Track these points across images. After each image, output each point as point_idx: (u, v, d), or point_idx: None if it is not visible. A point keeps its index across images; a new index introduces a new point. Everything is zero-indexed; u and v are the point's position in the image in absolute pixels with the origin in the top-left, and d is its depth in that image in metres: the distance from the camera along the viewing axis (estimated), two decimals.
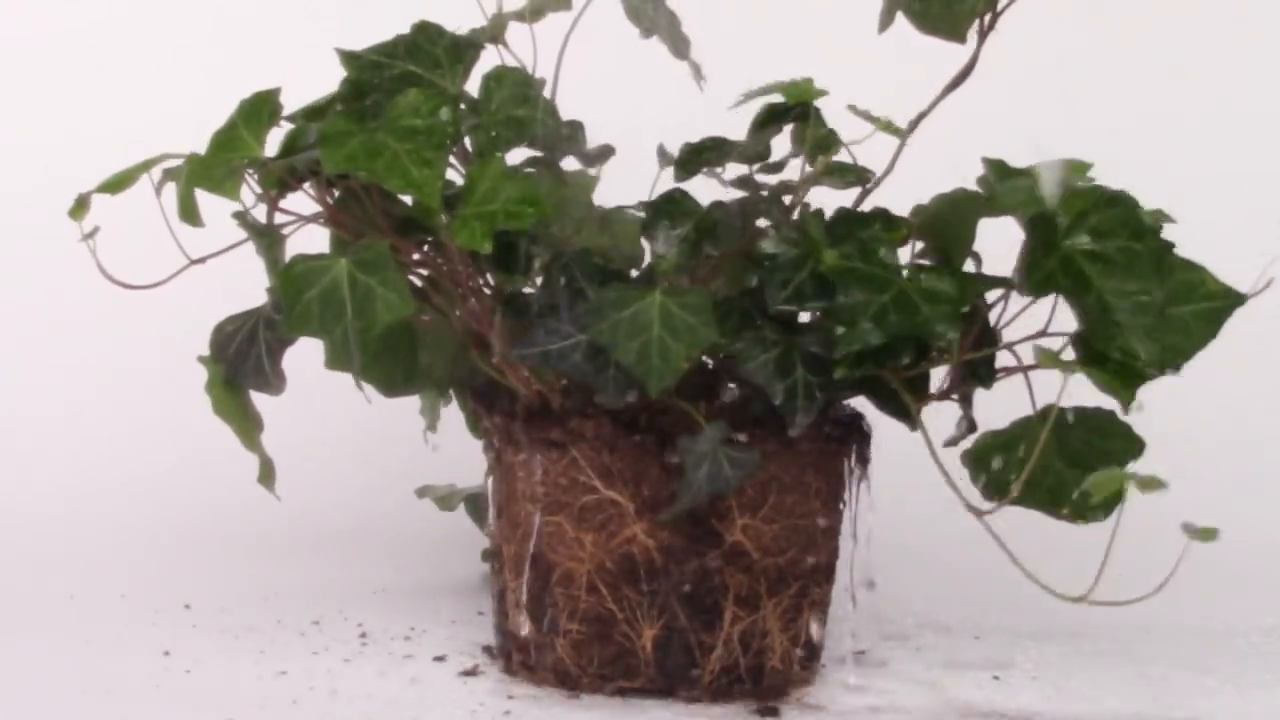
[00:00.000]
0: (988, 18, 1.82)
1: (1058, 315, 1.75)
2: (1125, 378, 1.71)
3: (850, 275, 1.71)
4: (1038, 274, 1.69)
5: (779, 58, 1.85)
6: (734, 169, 1.91)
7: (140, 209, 1.84)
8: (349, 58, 1.83)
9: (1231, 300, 1.74)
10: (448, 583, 2.21)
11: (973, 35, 1.83)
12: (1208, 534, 1.57)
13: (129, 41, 2.64)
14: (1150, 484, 1.57)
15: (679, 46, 1.95)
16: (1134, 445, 1.76)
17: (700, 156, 1.86)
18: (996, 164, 1.78)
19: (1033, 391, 1.76)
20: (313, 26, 2.51)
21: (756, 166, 1.89)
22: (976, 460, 1.78)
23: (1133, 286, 1.68)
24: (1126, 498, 1.60)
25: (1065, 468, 1.75)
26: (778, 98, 1.82)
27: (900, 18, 1.83)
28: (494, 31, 1.92)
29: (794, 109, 1.83)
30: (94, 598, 2.09)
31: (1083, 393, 1.74)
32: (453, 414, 2.09)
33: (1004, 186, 1.74)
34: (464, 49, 1.85)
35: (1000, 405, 1.81)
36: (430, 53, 1.84)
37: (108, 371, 2.53)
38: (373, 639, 1.99)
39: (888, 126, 1.81)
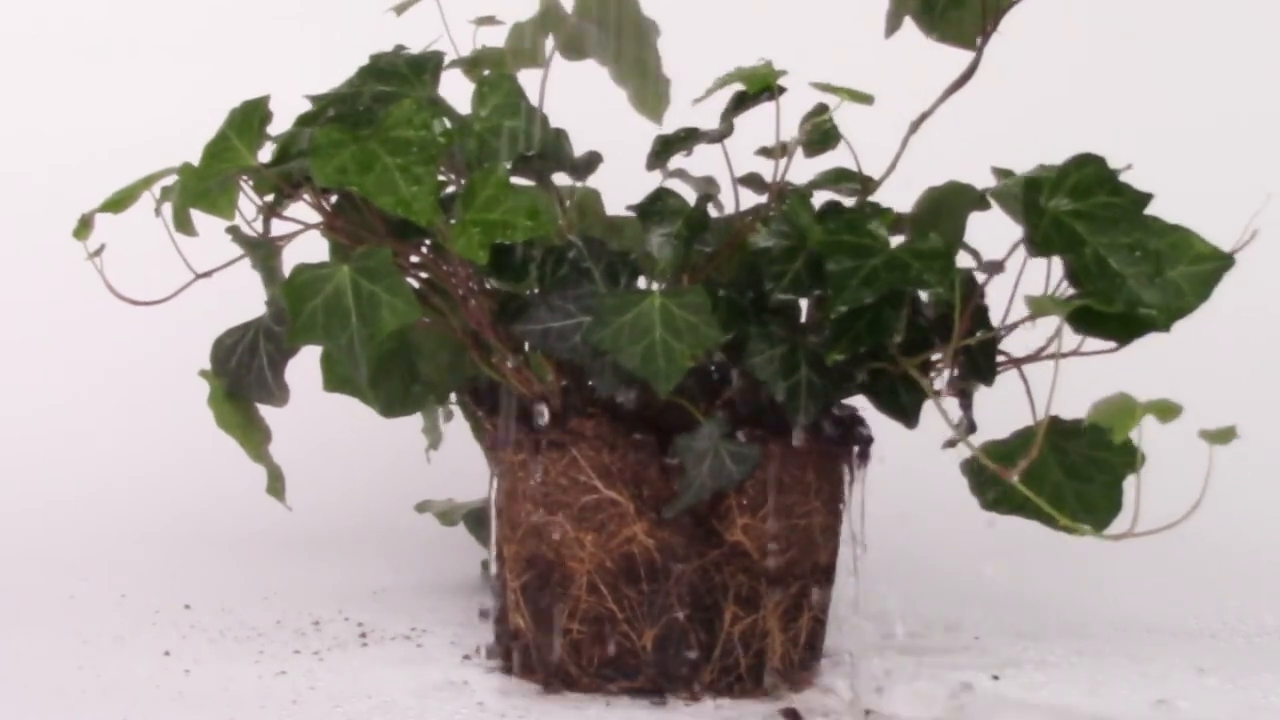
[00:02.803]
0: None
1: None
2: (1124, 330, 1.72)
3: (839, 246, 1.71)
4: (1037, 235, 1.69)
5: (779, 59, 1.85)
6: (741, 169, 1.91)
7: (143, 219, 1.83)
8: (318, 101, 1.83)
9: (1222, 262, 1.75)
10: (448, 583, 2.21)
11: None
12: (1224, 435, 1.56)
13: (129, 41, 2.64)
14: (1167, 411, 1.55)
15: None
16: (1133, 457, 1.76)
17: (671, 147, 1.86)
18: (1004, 173, 1.79)
19: (1031, 394, 1.76)
20: (313, 27, 2.52)
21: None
22: (976, 470, 1.77)
23: (1124, 239, 1.69)
24: (1140, 426, 1.57)
25: (1063, 478, 1.75)
26: (741, 87, 1.82)
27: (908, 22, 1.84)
28: (469, 68, 1.93)
29: (760, 94, 1.83)
30: (94, 598, 2.09)
31: (1081, 400, 1.74)
32: (452, 427, 2.09)
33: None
34: (424, 60, 1.85)
35: (999, 409, 1.81)
36: (393, 72, 1.84)
37: (108, 372, 2.53)
38: (373, 639, 1.99)
39: (853, 95, 1.80)
